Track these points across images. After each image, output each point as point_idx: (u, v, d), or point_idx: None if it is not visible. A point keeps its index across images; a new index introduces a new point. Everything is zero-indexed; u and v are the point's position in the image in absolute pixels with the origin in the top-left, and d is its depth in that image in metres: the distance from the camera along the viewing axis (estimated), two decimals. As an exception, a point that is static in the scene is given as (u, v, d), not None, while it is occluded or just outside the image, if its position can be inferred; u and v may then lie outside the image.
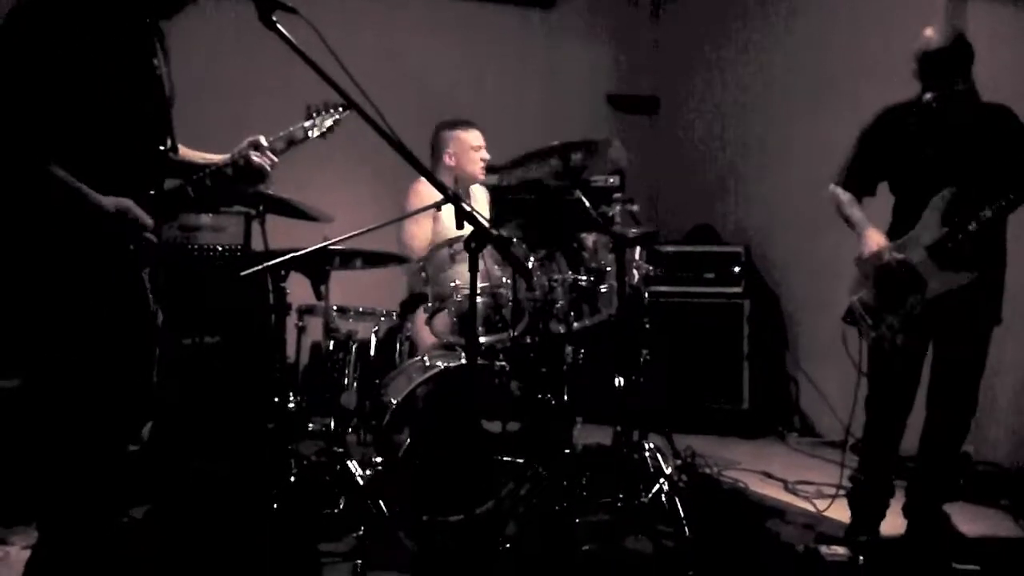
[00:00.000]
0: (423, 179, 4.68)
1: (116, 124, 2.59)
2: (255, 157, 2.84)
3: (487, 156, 4.90)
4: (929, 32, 3.68)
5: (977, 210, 3.52)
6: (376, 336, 4.25)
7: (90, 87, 2.53)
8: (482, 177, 4.89)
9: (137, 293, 2.68)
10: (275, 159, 2.90)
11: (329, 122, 3.14)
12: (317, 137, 3.12)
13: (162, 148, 2.77)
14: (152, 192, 2.66)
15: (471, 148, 4.85)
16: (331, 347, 4.19)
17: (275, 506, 3.64)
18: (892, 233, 3.77)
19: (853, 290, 3.81)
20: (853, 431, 4.14)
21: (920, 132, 3.71)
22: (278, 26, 2.38)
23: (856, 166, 3.90)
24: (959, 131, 3.66)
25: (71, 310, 2.55)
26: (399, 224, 4.55)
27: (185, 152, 2.93)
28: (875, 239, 3.71)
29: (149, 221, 2.59)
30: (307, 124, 3.10)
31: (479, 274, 2.81)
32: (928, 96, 3.68)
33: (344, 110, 3.09)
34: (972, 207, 3.54)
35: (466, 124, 4.91)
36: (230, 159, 2.84)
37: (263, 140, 2.87)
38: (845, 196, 3.88)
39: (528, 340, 4.20)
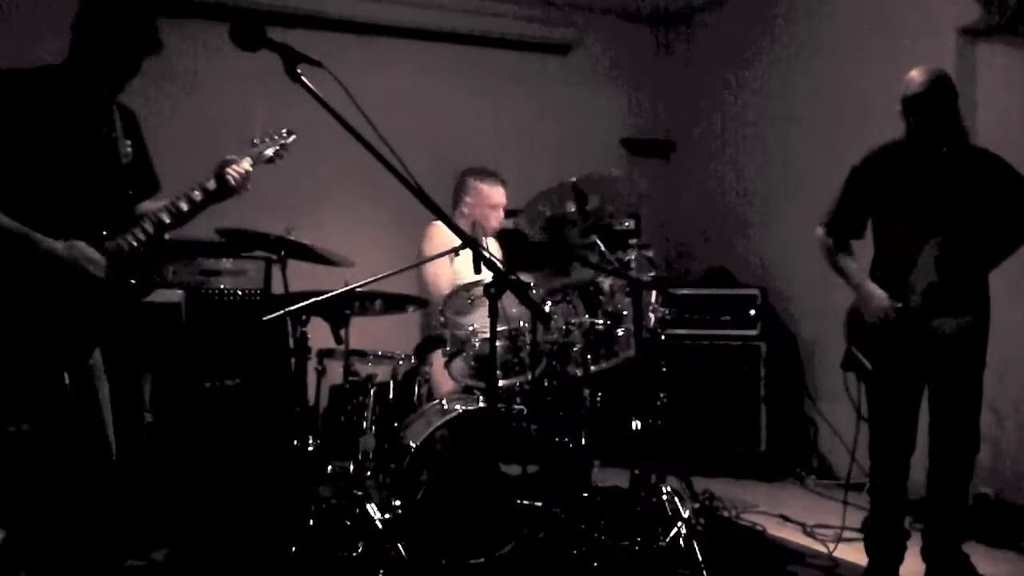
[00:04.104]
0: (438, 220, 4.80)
1: (62, 178, 2.90)
2: (229, 171, 3.18)
3: (501, 216, 4.93)
4: (913, 74, 3.69)
5: (967, 255, 3.59)
6: (395, 379, 4.27)
7: (38, 148, 2.86)
8: (492, 234, 4.92)
9: (106, 327, 2.93)
10: (249, 168, 3.24)
11: (269, 152, 3.41)
12: (266, 162, 3.38)
13: (121, 202, 3.06)
14: (104, 232, 2.93)
15: (489, 205, 4.88)
16: (350, 390, 4.22)
17: (294, 549, 3.66)
18: (874, 275, 3.81)
19: (850, 340, 3.84)
20: (856, 476, 4.23)
21: (908, 174, 3.74)
22: (303, 78, 2.44)
23: (845, 208, 3.93)
24: (947, 173, 3.68)
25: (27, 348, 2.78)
26: (420, 267, 4.60)
27: (147, 205, 3.19)
28: (877, 293, 3.73)
29: (99, 258, 2.86)
30: (252, 152, 3.34)
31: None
32: (914, 139, 3.71)
33: (288, 135, 3.47)
34: (963, 252, 3.60)
35: (492, 178, 4.94)
36: (208, 178, 3.16)
37: (231, 157, 3.23)
38: (835, 246, 3.92)
39: (546, 383, 4.22)
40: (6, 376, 2.81)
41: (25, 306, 2.76)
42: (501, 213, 4.94)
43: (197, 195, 3.12)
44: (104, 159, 3.02)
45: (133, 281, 2.97)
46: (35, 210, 2.81)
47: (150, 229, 3.02)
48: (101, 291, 2.87)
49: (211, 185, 3.15)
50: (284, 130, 3.48)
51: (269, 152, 3.41)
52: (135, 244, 2.98)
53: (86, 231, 2.88)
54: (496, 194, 4.91)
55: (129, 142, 3.11)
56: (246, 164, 3.25)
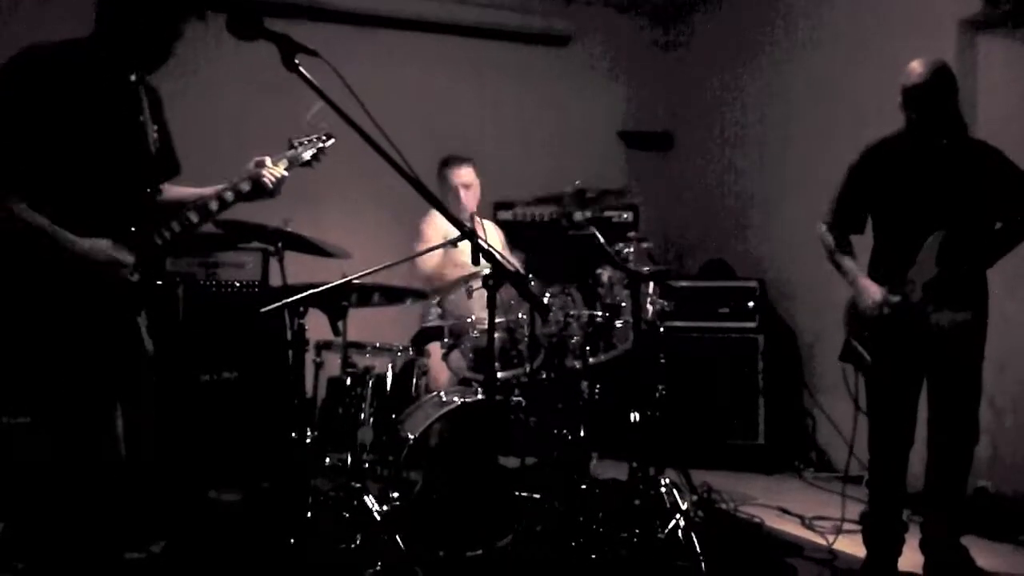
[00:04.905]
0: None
1: (93, 169, 2.73)
2: (264, 174, 3.07)
3: (478, 193, 4.93)
4: (913, 65, 3.68)
5: (969, 249, 3.58)
6: (392, 371, 4.27)
7: (69, 136, 2.69)
8: (466, 216, 4.83)
9: (123, 330, 2.79)
10: (285, 173, 3.12)
11: (307, 155, 3.29)
12: (301, 165, 3.27)
13: (148, 191, 2.92)
14: (133, 228, 2.78)
15: (460, 187, 4.89)
16: (348, 382, 4.21)
17: (292, 541, 3.66)
18: (873, 269, 3.81)
19: (850, 332, 3.84)
20: (854, 468, 4.22)
21: (907, 167, 3.73)
22: (300, 68, 2.43)
23: (845, 203, 3.93)
24: (946, 166, 3.67)
25: (47, 348, 2.65)
26: (415, 244, 4.62)
27: (172, 190, 3.08)
28: (872, 288, 3.74)
29: (127, 259, 2.72)
30: (289, 154, 3.23)
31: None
32: (914, 131, 3.70)
33: (328, 138, 3.31)
34: (964, 246, 3.59)
35: (456, 162, 4.97)
36: (242, 178, 3.04)
37: (268, 160, 3.10)
38: (834, 243, 3.92)
39: (544, 375, 4.21)
40: (17, 373, 2.72)
41: (45, 305, 2.63)
42: (476, 191, 4.94)
43: (229, 196, 2.98)
44: (133, 147, 2.86)
45: (160, 282, 2.84)
46: (62, 202, 2.66)
47: (177, 229, 2.87)
48: (129, 294, 2.74)
49: (245, 187, 3.02)
50: (324, 133, 3.32)
51: (306, 155, 3.27)
52: (161, 243, 2.84)
53: (114, 226, 2.74)
54: (461, 175, 4.93)
55: (156, 126, 2.96)
56: (282, 167, 3.12)
